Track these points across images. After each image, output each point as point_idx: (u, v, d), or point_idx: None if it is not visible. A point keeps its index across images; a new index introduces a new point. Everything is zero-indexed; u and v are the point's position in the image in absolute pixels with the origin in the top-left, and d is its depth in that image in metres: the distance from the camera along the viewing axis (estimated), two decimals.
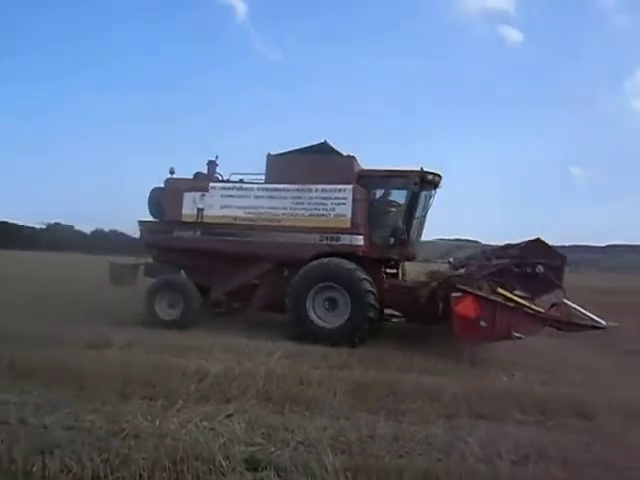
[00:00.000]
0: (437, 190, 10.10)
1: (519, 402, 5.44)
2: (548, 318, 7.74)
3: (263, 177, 10.18)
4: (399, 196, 10.05)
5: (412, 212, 9.92)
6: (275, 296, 9.80)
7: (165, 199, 10.47)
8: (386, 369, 6.99)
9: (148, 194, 10.72)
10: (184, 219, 10.24)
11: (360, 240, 9.53)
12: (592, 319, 7.70)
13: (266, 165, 10.13)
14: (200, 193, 10.26)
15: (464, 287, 7.78)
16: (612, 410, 5.27)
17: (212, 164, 11.16)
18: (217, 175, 11.09)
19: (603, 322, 7.66)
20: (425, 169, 9.71)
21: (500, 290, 7.89)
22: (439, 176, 9.90)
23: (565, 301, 7.90)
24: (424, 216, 10.28)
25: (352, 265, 9.16)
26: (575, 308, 7.88)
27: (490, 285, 7.95)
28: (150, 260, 11.10)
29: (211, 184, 10.41)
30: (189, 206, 10.25)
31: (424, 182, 9.76)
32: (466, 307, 7.68)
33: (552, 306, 7.94)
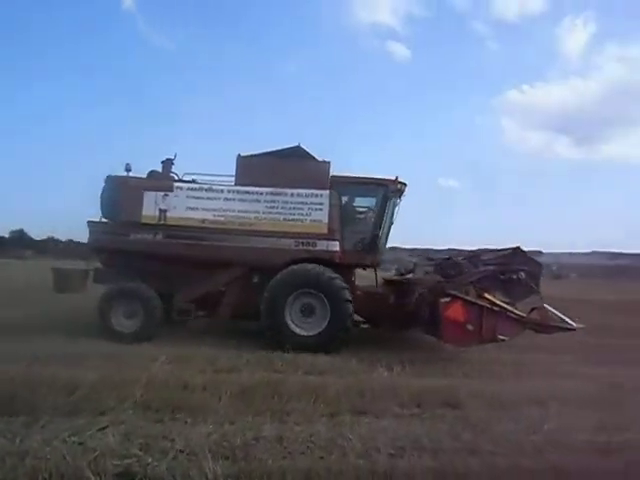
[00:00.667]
0: (402, 199, 10.19)
1: (397, 396, 5.72)
2: (529, 321, 8.22)
3: (217, 178, 9.73)
4: (370, 203, 10.14)
5: (383, 219, 9.95)
6: (243, 303, 9.45)
7: (121, 198, 9.45)
8: (273, 370, 6.99)
9: (100, 192, 9.64)
10: (144, 220, 9.38)
11: (336, 246, 9.43)
12: (565, 321, 8.29)
13: (236, 166, 9.68)
14: (163, 193, 9.46)
15: (454, 292, 8.05)
16: (482, 400, 5.74)
17: (167, 163, 10.33)
18: (172, 174, 10.30)
19: (574, 324, 8.27)
20: (399, 178, 9.90)
21: (486, 295, 8.20)
22: (405, 185, 10.09)
23: (545, 305, 8.43)
24: (391, 224, 10.27)
25: (333, 273, 9.06)
26: (551, 311, 8.43)
27: (476, 290, 8.24)
28: (99, 265, 10.09)
29: (176, 184, 9.69)
30: (150, 207, 9.39)
31: (396, 190, 9.93)
32: (455, 311, 7.98)
33: (532, 310, 8.35)
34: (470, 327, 8.00)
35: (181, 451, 3.99)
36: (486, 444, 4.41)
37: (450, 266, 9.31)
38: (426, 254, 11.80)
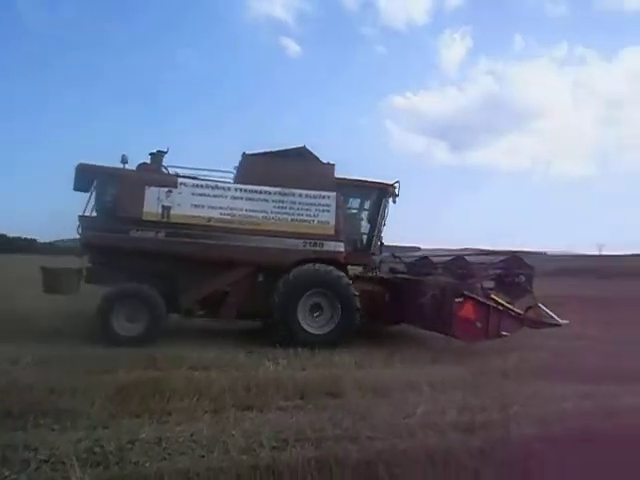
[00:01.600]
0: (395, 201, 10.46)
1: (282, 389, 5.76)
2: (526, 319, 9.04)
3: (205, 172, 9.39)
4: (368, 205, 10.49)
5: (379, 222, 10.30)
6: (248, 303, 9.37)
7: (121, 192, 8.86)
8: (155, 368, 6.66)
9: (95, 185, 8.95)
10: (145, 217, 8.84)
11: (342, 247, 9.61)
12: (554, 318, 9.21)
13: (240, 164, 9.59)
14: (166, 189, 8.98)
15: (467, 293, 8.66)
16: (361, 389, 5.97)
17: (158, 155, 9.69)
18: (163, 168, 9.67)
19: (561, 321, 9.19)
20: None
21: (493, 296, 8.93)
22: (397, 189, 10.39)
23: (539, 304, 9.21)
24: (384, 225, 10.52)
25: (340, 272, 9.36)
26: (543, 309, 9.25)
27: (484, 291, 8.98)
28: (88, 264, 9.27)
29: (180, 180, 9.19)
30: (152, 203, 8.87)
31: (392, 194, 10.25)
32: (467, 310, 8.64)
33: (528, 308, 9.15)
34: (479, 324, 8.74)
35: (45, 461, 3.66)
36: (365, 430, 4.60)
37: (460, 267, 9.99)
38: (391, 251, 12.35)
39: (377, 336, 10.42)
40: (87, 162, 9.15)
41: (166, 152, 9.79)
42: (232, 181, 9.55)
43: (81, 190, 9.26)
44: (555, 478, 3.73)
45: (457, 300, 8.69)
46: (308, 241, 9.40)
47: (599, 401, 5.80)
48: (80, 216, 8.87)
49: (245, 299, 9.41)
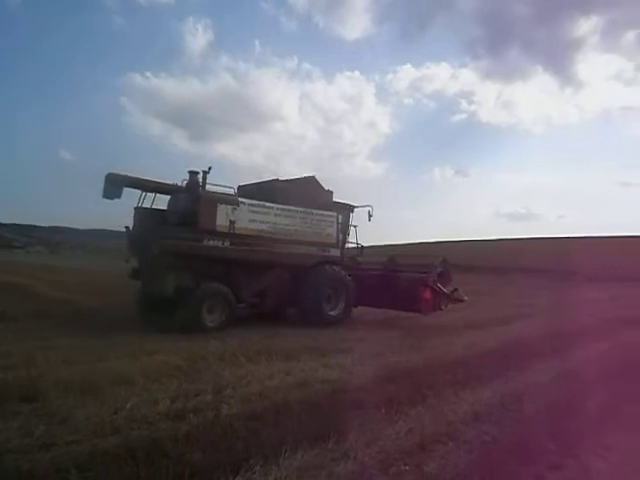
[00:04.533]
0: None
1: None
2: (452, 297, 13.70)
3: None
4: (343, 220, 13.58)
5: (347, 231, 13.82)
6: (280, 295, 12.32)
7: (200, 209, 10.74)
8: None
9: (175, 202, 11.21)
10: (218, 229, 10.86)
11: (339, 252, 13.34)
12: (463, 296, 14.02)
13: (273, 190, 12.46)
14: (232, 207, 11.11)
15: (429, 283, 13.11)
16: (67, 388, 5.43)
17: (205, 174, 11.52)
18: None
19: (466, 298, 14.19)
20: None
21: (438, 284, 13.34)
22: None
23: (457, 288, 13.92)
24: (348, 235, 13.93)
25: (344, 271, 13.18)
26: (458, 291, 13.89)
27: (434, 281, 13.30)
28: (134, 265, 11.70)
29: (240, 199, 11.39)
30: (222, 217, 10.94)
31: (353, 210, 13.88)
32: (427, 294, 13.04)
33: (454, 291, 13.79)
34: (432, 302, 13.17)
35: None
36: (65, 434, 4.20)
37: (424, 266, 13.85)
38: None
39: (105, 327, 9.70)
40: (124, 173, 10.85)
41: (208, 172, 11.53)
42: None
43: (110, 198, 10.51)
44: (256, 450, 4.05)
45: (421, 287, 12.93)
46: (321, 248, 12.80)
47: (297, 375, 6.59)
48: (156, 227, 10.67)
49: (279, 292, 12.26)
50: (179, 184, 11.62)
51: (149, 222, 11.19)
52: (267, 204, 11.85)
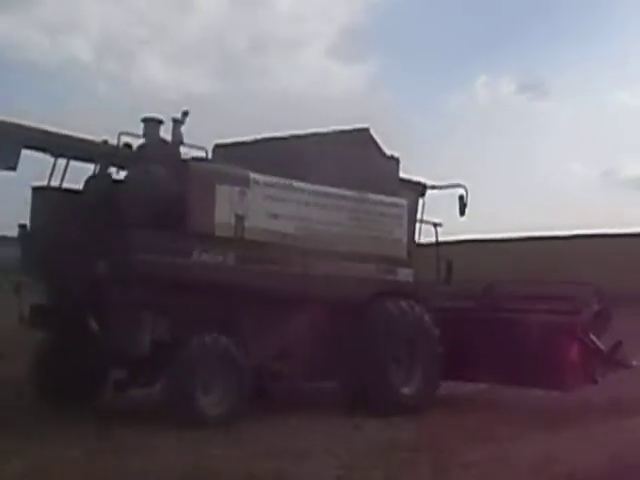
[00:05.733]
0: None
1: None
2: (615, 360, 8.19)
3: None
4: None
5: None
6: (315, 358, 6.88)
7: (191, 194, 6.09)
8: None
9: (142, 181, 6.10)
10: (218, 232, 6.16)
11: (412, 275, 8.07)
12: (630, 359, 8.35)
13: (301, 156, 6.93)
14: (239, 188, 6.35)
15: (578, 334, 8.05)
16: None
17: (177, 123, 6.67)
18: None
19: (635, 362, 8.41)
20: None
21: (591, 335, 8.11)
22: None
23: (621, 342, 8.37)
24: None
25: (424, 313, 7.86)
26: (622, 348, 8.42)
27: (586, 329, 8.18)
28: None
29: (253, 176, 6.51)
30: (224, 210, 6.21)
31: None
32: (574, 353, 7.81)
33: (616, 347, 8.20)
34: (582, 369, 8.05)
35: None
36: None
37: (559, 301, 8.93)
38: None
39: None
40: None
41: (184, 117, 6.75)
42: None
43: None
44: None
45: (568, 342, 7.87)
46: (382, 266, 7.71)
47: None
48: (128, 231, 5.86)
49: (311, 353, 7.11)
50: (109, 141, 6.60)
51: (74, 217, 6.29)
52: (296, 184, 6.98)
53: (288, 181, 6.97)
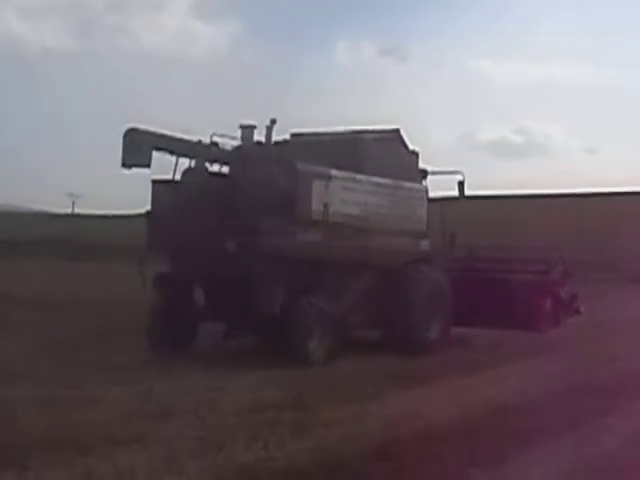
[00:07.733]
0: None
1: None
2: (572, 308, 11.04)
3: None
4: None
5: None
6: (366, 312, 9.49)
7: (298, 188, 8.16)
8: None
9: (269, 179, 8.05)
10: (314, 217, 8.44)
11: (428, 245, 10.50)
12: (580, 307, 11.11)
13: (360, 150, 9.41)
14: (324, 182, 8.58)
15: (551, 289, 10.90)
16: None
17: (269, 129, 8.95)
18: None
19: (583, 309, 11.24)
20: None
21: (560, 290, 10.85)
22: None
23: (575, 295, 11.17)
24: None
25: (442, 275, 10.26)
26: (577, 299, 11.17)
27: (556, 285, 10.89)
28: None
29: (332, 172, 8.76)
30: (317, 200, 8.43)
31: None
32: (547, 304, 10.47)
33: (572, 298, 10.97)
34: (552, 316, 10.82)
35: None
36: None
37: (531, 263, 11.65)
38: None
39: None
40: None
41: (272, 125, 9.08)
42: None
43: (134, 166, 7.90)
44: None
45: (543, 295, 10.24)
46: (411, 239, 10.09)
47: None
48: (262, 221, 8.03)
49: (370, 304, 9.82)
50: (204, 141, 8.55)
51: (198, 205, 8.28)
52: (358, 177, 9.21)
53: (353, 174, 9.12)
